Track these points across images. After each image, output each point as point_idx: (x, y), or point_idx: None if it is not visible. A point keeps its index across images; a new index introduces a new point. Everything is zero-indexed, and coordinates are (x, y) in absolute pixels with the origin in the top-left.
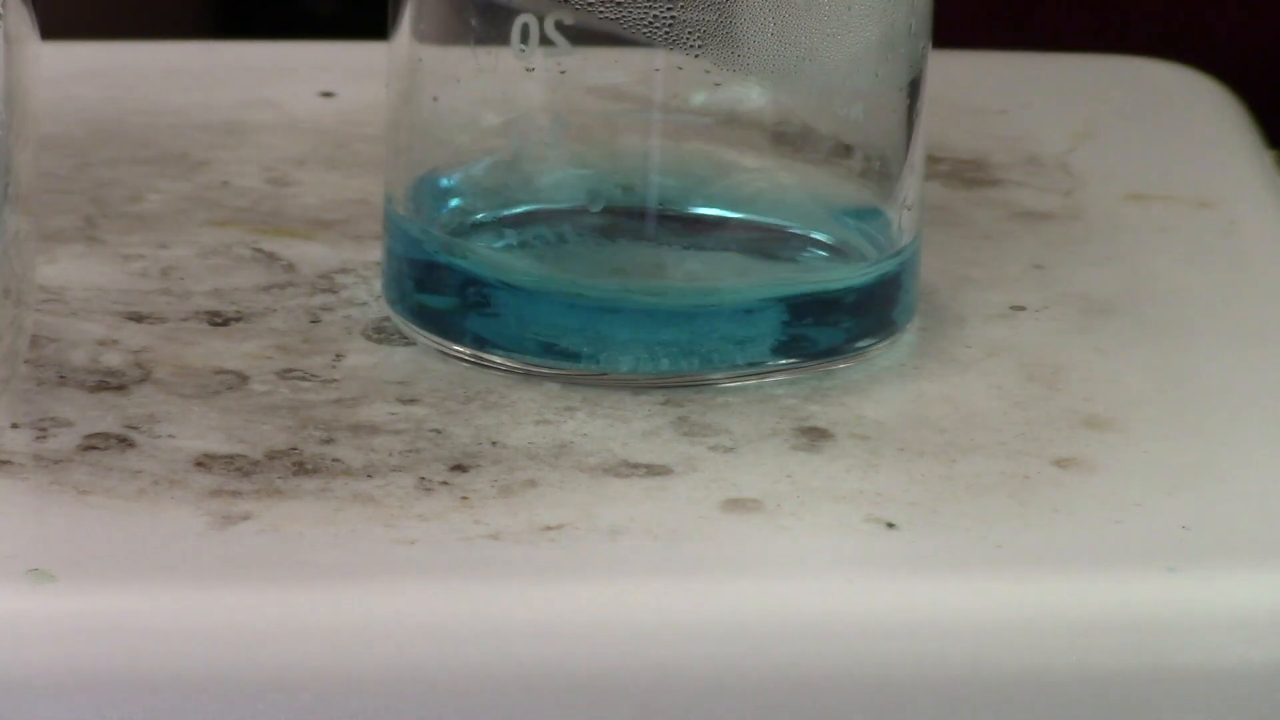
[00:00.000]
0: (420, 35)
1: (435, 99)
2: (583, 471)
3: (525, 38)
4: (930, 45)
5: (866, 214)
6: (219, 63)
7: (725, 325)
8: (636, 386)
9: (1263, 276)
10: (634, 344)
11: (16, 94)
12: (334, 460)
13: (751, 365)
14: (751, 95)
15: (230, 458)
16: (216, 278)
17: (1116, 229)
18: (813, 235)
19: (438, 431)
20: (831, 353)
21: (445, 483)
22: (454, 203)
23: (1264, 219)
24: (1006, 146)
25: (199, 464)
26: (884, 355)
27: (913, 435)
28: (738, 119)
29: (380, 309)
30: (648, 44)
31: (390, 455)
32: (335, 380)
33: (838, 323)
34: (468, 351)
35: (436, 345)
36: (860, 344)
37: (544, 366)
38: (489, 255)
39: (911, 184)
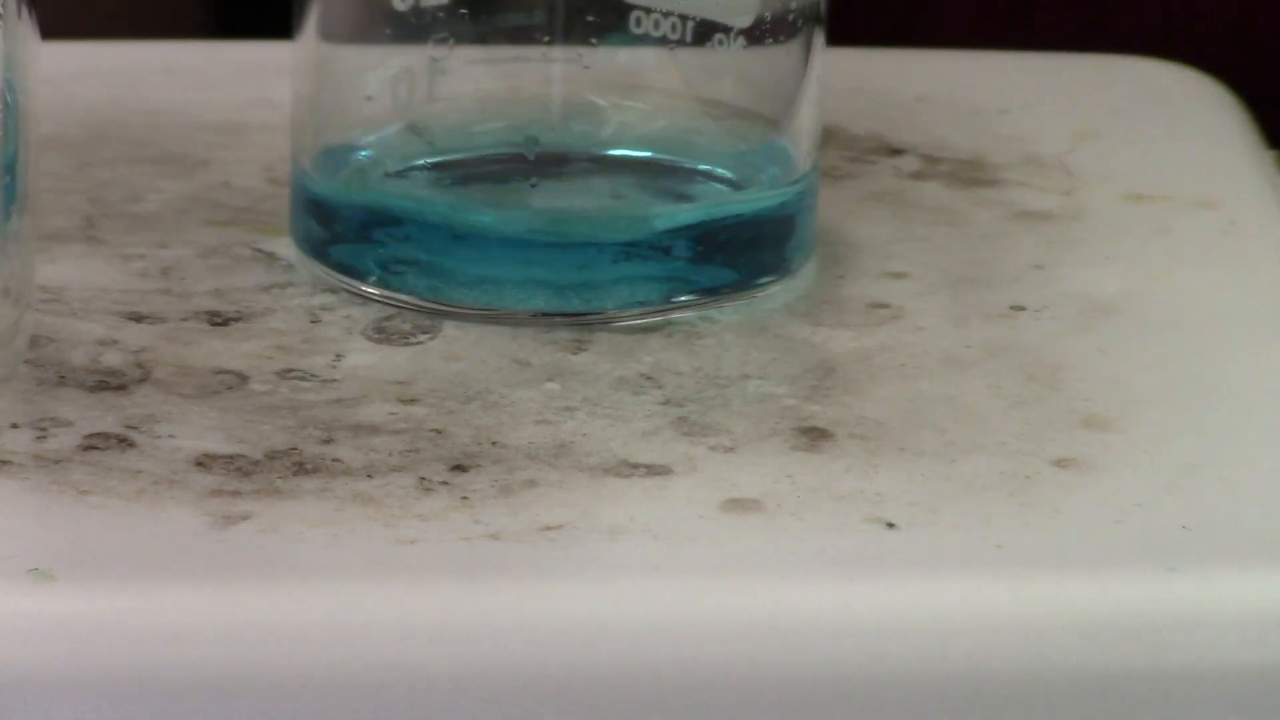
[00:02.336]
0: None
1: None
2: (583, 471)
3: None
4: None
5: (763, 147)
6: (219, 63)
7: (611, 263)
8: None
9: (1263, 276)
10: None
11: (17, 94)
12: (334, 460)
13: (641, 304)
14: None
15: (230, 458)
16: (216, 278)
17: (1116, 229)
18: (711, 169)
19: (438, 431)
20: (720, 291)
21: (445, 483)
22: (362, 155)
23: (1264, 219)
24: (1006, 146)
25: (199, 464)
26: (781, 296)
27: (913, 435)
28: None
29: (381, 309)
30: None
31: (390, 455)
32: (335, 380)
33: (731, 260)
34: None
35: (339, 283)
36: (758, 281)
37: (440, 303)
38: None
39: (808, 116)
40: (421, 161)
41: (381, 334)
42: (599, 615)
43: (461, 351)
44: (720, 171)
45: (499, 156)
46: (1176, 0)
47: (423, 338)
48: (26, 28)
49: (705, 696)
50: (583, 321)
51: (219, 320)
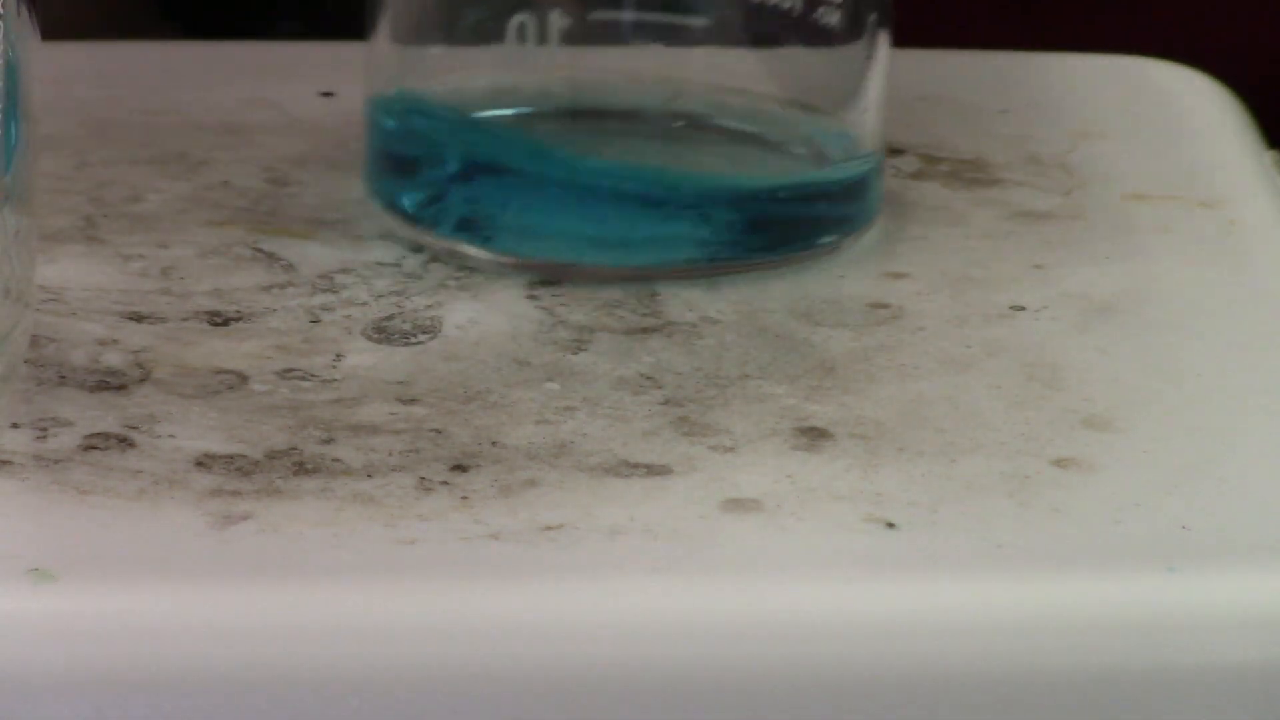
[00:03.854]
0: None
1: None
2: (583, 471)
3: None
4: None
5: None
6: (219, 63)
7: (681, 222)
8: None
9: (1263, 276)
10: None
11: (17, 94)
12: (334, 460)
13: (711, 261)
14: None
15: (230, 458)
16: (216, 278)
17: (1116, 229)
18: (788, 146)
19: (438, 431)
20: (791, 244)
21: (445, 483)
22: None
23: (1264, 219)
24: (1006, 146)
25: (199, 464)
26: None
27: (913, 435)
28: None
29: (380, 309)
30: None
31: (390, 455)
32: (335, 380)
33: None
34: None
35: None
36: (824, 239)
37: (509, 256)
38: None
39: (875, 86)
40: (509, 112)
41: (381, 334)
42: (599, 615)
43: (461, 351)
44: (796, 150)
45: (581, 112)
46: (1179, 1)
47: (423, 337)
48: (26, 28)
49: (705, 696)
50: (640, 275)
51: (219, 320)
